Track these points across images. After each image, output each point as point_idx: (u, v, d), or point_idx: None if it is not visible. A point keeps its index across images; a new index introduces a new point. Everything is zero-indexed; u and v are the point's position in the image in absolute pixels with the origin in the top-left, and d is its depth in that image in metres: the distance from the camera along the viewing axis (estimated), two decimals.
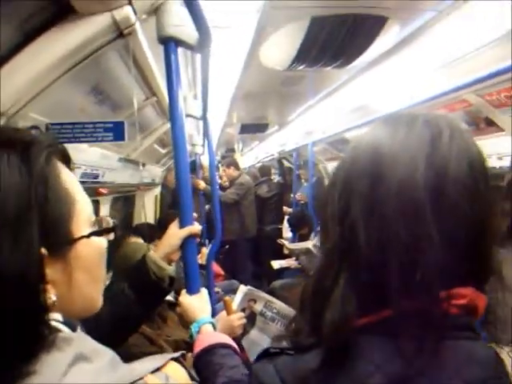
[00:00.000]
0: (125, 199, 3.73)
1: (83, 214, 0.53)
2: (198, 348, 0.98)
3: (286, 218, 5.12)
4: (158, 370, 0.51)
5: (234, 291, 2.58)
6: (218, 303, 2.25)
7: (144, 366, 0.50)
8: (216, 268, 3.83)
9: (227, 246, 4.78)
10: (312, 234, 4.22)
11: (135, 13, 1.07)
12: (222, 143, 6.53)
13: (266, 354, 0.64)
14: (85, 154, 1.76)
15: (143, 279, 1.07)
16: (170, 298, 2.17)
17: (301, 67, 2.00)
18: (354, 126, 3.07)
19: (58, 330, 0.49)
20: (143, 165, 3.02)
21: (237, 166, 4.96)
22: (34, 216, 0.44)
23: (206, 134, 2.25)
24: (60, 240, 0.49)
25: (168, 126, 2.68)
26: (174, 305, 2.20)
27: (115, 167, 2.32)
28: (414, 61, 2.02)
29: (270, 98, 3.01)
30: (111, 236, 0.59)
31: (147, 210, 4.01)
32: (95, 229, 0.55)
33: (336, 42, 1.70)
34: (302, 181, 5.24)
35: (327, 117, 3.37)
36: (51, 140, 0.52)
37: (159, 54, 1.20)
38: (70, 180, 0.52)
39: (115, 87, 1.54)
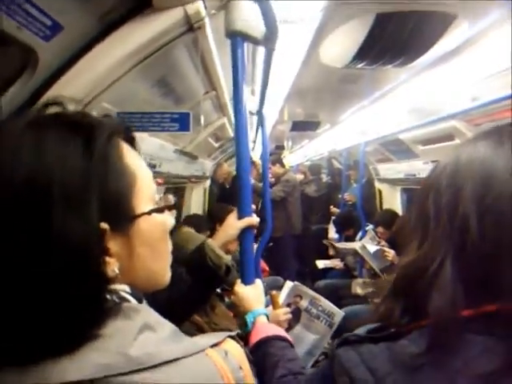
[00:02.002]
0: (175, 190, 3.83)
1: (145, 191, 0.55)
2: (255, 338, 1.00)
3: (333, 218, 5.06)
4: (216, 345, 0.53)
5: (278, 287, 2.59)
6: None
7: (204, 341, 0.52)
8: (261, 264, 3.86)
9: (271, 243, 4.79)
10: (358, 235, 4.15)
11: (205, 7, 1.10)
12: (271, 140, 6.54)
13: (344, 342, 0.66)
14: (144, 143, 1.82)
15: (201, 266, 1.10)
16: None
17: (360, 65, 1.97)
18: (410, 127, 2.98)
19: (126, 300, 0.52)
20: (196, 157, 3.09)
21: (282, 164, 4.96)
22: (93, 192, 0.47)
23: (261, 130, 2.27)
24: (121, 215, 0.51)
25: (223, 120, 2.73)
26: (222, 296, 2.25)
27: (171, 158, 2.40)
28: (479, 61, 1.92)
29: (324, 96, 2.98)
30: (173, 213, 0.61)
31: (196, 203, 4.10)
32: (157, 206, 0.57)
33: (399, 39, 1.65)
34: (352, 181, 5.15)
35: (381, 117, 3.29)
36: (115, 122, 0.55)
37: (222, 48, 1.22)
38: (132, 158, 0.55)
39: (179, 80, 1.60)
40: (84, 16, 0.98)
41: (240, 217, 1.14)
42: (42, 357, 0.43)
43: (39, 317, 0.43)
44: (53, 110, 0.52)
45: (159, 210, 0.58)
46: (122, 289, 0.53)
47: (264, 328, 1.04)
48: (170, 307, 1.04)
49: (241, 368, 0.53)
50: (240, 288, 1.14)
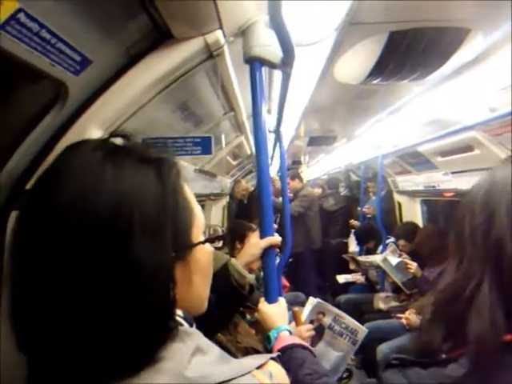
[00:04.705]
0: None
1: (199, 223, 0.60)
2: (280, 345, 1.02)
3: (353, 231, 5.02)
4: (261, 366, 0.55)
5: (298, 303, 2.58)
6: None
7: (249, 362, 0.55)
8: (281, 280, 3.84)
9: (291, 259, 4.77)
10: (380, 248, 4.11)
11: (224, 36, 1.15)
12: (288, 155, 6.58)
13: (390, 365, 0.68)
14: None
15: (225, 285, 1.13)
16: None
17: (376, 81, 1.99)
18: (427, 139, 2.97)
19: (180, 324, 0.55)
20: (215, 176, 3.14)
21: (300, 179, 4.97)
22: (168, 222, 0.50)
23: (279, 147, 2.31)
24: (184, 245, 0.55)
25: (241, 139, 2.78)
26: (243, 313, 2.25)
27: (191, 178, 2.44)
28: (496, 72, 1.92)
29: (340, 112, 3.00)
30: (220, 243, 0.65)
31: (216, 219, 4.14)
32: (207, 236, 0.61)
33: (414, 54, 1.67)
34: (370, 194, 5.13)
35: (398, 130, 3.30)
36: (174, 157, 0.58)
37: (238, 68, 1.27)
38: (189, 192, 0.59)
39: (199, 104, 1.65)
40: (111, 49, 1.03)
41: (262, 236, 1.17)
42: (108, 379, 0.45)
43: (112, 340, 0.46)
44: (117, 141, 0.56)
45: (212, 240, 0.62)
46: (178, 313, 0.57)
47: (288, 338, 1.07)
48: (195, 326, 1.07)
49: None
50: (264, 306, 1.15)
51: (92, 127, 1.08)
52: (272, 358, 0.59)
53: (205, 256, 0.60)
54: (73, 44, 0.89)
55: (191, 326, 0.61)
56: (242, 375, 0.50)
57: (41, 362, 0.48)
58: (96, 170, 0.48)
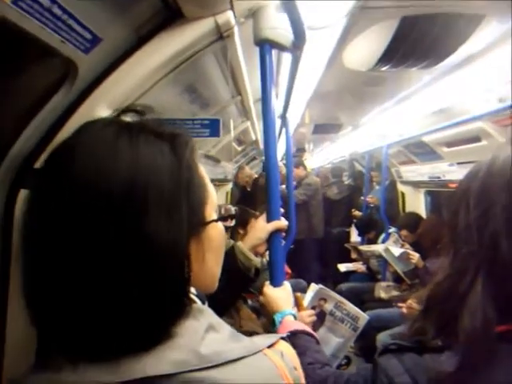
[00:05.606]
0: None
1: (212, 200, 0.60)
2: (283, 331, 1.03)
3: (354, 221, 5.03)
4: (272, 345, 0.55)
5: (300, 290, 2.59)
6: None
7: (262, 341, 0.55)
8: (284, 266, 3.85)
9: (293, 246, 4.76)
10: (381, 238, 4.12)
11: (235, 16, 1.13)
12: (292, 143, 6.54)
13: (386, 350, 0.67)
14: None
15: (231, 268, 1.13)
16: None
17: (385, 68, 1.97)
18: (434, 129, 2.95)
19: (193, 302, 0.55)
20: (219, 161, 3.14)
21: (305, 166, 4.96)
22: (183, 197, 0.50)
23: (286, 133, 2.30)
24: (198, 221, 0.55)
25: (246, 124, 2.77)
26: (245, 298, 2.27)
27: None
28: (506, 62, 1.90)
29: (347, 99, 2.98)
30: (233, 222, 0.65)
31: None
32: (219, 215, 0.62)
33: (426, 41, 1.65)
34: (374, 184, 5.11)
35: (404, 119, 3.27)
36: (188, 134, 0.58)
37: (246, 53, 1.25)
38: (203, 169, 0.59)
39: (206, 86, 1.63)
40: (121, 28, 1.02)
41: (269, 220, 1.17)
42: (122, 353, 0.46)
43: (127, 315, 0.46)
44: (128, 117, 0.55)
45: (225, 219, 0.63)
46: (191, 291, 0.57)
47: (292, 324, 1.07)
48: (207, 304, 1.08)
49: (295, 368, 0.55)
50: (269, 289, 1.16)
51: (100, 107, 1.07)
52: (282, 338, 0.60)
53: (218, 234, 0.61)
54: (83, 21, 0.88)
55: (203, 303, 0.61)
56: (254, 353, 0.51)
57: (55, 336, 0.48)
58: (110, 146, 0.49)
